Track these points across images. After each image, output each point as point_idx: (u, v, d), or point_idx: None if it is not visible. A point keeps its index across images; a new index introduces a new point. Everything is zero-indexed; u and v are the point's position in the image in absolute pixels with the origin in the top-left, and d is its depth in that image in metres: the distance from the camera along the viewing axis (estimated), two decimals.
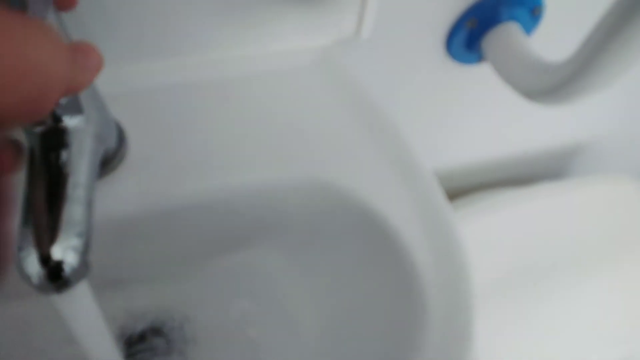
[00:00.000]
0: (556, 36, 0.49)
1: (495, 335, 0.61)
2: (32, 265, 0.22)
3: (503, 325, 0.63)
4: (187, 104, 0.38)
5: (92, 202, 0.25)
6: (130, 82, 0.38)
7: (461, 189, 0.76)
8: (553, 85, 0.39)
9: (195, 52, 0.39)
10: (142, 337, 0.38)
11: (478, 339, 0.60)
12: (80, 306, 0.24)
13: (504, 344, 0.62)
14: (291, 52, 0.40)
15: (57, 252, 0.22)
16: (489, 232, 0.68)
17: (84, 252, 0.23)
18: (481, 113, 0.61)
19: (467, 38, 0.49)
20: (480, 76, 0.54)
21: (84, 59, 0.20)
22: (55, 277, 0.22)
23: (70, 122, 0.25)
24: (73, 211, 0.23)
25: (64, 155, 0.24)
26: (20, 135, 0.24)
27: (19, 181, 0.23)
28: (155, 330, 0.39)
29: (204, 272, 0.40)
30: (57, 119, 0.25)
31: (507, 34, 0.46)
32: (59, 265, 0.22)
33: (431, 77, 0.53)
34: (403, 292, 0.35)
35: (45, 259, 0.22)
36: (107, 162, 0.33)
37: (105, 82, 0.29)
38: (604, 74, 0.36)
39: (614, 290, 0.67)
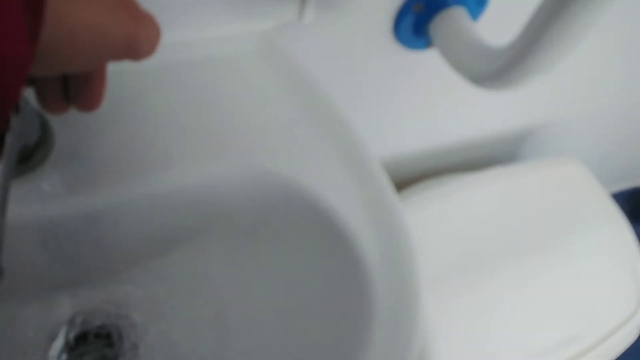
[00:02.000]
0: (502, 21, 0.49)
1: (448, 319, 0.62)
2: None
3: (457, 308, 0.63)
4: (117, 93, 0.35)
5: (6, 202, 0.23)
6: None
7: (413, 175, 0.76)
8: (496, 69, 0.39)
9: None
10: (78, 342, 0.36)
11: (429, 324, 0.61)
12: None
13: (457, 326, 0.62)
14: (229, 37, 0.38)
15: None
16: (441, 218, 0.68)
17: None
18: (431, 99, 0.61)
19: (415, 23, 0.48)
20: (430, 62, 0.53)
21: (147, 29, 0.23)
22: None
23: None
24: None
25: None
26: None
27: None
28: (90, 335, 0.37)
29: (142, 274, 0.38)
30: None
31: (453, 19, 0.46)
32: None
33: (380, 63, 0.52)
34: (349, 284, 0.34)
35: None
36: (28, 158, 0.31)
37: None
38: (544, 59, 0.36)
39: (564, 269, 0.69)
